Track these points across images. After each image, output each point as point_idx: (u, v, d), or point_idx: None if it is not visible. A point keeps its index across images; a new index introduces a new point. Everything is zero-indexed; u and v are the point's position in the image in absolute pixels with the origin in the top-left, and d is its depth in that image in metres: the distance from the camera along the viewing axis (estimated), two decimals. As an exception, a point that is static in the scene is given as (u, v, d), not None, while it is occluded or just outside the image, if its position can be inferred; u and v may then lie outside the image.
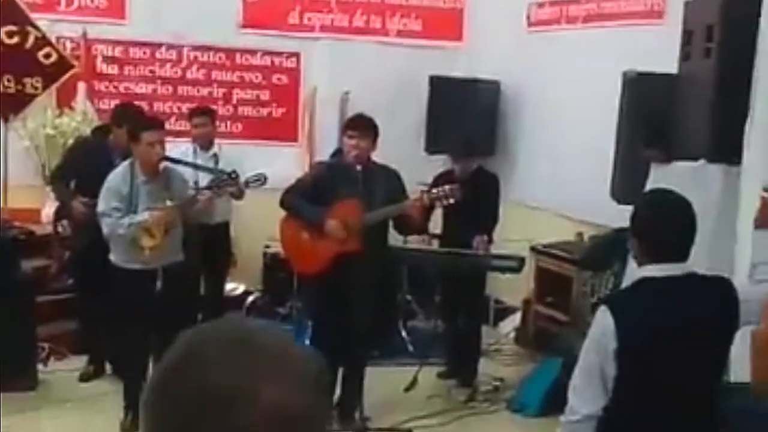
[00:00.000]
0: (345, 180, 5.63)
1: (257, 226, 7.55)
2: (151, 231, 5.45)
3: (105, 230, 5.53)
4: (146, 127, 5.55)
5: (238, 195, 6.50)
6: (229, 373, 1.02)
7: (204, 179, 6.25)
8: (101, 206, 5.52)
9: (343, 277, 5.55)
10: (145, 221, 5.45)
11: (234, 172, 6.01)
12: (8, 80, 7.14)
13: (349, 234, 5.59)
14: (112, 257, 5.62)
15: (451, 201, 5.70)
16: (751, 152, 4.22)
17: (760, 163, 4.19)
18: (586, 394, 3.01)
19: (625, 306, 3.03)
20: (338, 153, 6.21)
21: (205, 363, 1.04)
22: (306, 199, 5.71)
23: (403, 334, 7.68)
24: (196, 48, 8.43)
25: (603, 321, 2.99)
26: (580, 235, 7.23)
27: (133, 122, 5.78)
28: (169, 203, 5.49)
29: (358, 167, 5.58)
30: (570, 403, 3.08)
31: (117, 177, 5.55)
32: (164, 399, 1.05)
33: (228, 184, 6.01)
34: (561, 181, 7.46)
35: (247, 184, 6.25)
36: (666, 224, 3.05)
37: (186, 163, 6.15)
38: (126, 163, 5.58)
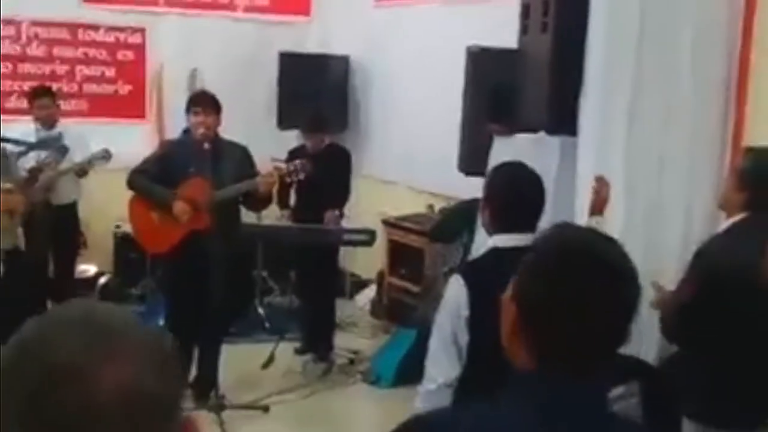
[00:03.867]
0: (193, 158, 5.56)
1: (106, 206, 7.40)
2: None
3: None
4: None
5: (81, 173, 6.34)
6: (73, 353, 1.02)
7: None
8: None
9: (195, 256, 5.51)
10: None
11: (64, 147, 5.83)
12: None
13: (198, 212, 5.54)
14: None
15: (301, 176, 5.73)
16: (584, 124, 4.39)
17: (593, 134, 4.37)
18: (442, 363, 3.06)
19: (476, 274, 3.09)
20: (188, 131, 6.11)
21: (49, 343, 1.04)
22: (154, 178, 5.62)
23: (260, 310, 7.68)
24: (35, 24, 8.14)
25: (456, 289, 3.05)
26: (430, 207, 7.37)
27: None
28: (7, 185, 5.29)
29: (206, 144, 5.52)
30: (427, 371, 3.13)
31: None
32: (9, 381, 1.03)
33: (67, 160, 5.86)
34: (411, 155, 7.57)
35: (91, 162, 6.10)
36: (516, 195, 3.13)
37: (21, 143, 5.94)
38: None
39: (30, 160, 5.93)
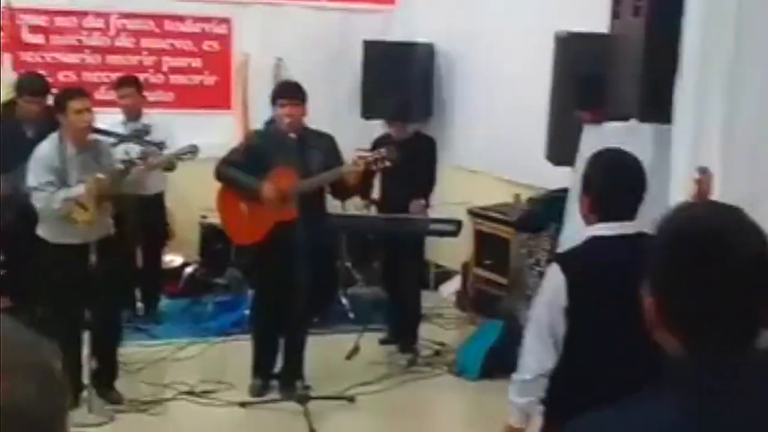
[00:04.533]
0: (280, 148, 5.57)
1: (193, 196, 7.46)
2: (84, 204, 5.32)
3: (38, 205, 5.34)
4: (71, 96, 5.38)
5: (170, 167, 6.40)
6: None
7: (134, 150, 6.13)
8: (32, 180, 5.32)
9: (281, 246, 5.52)
10: (80, 195, 5.31)
11: (162, 143, 5.91)
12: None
13: (285, 202, 5.54)
14: (40, 232, 5.48)
15: (387, 164, 5.68)
16: (679, 111, 4.23)
17: (689, 122, 4.21)
18: (538, 352, 3.04)
19: (575, 264, 3.05)
20: (272, 121, 6.13)
21: None
22: (241, 168, 5.64)
23: (343, 301, 7.66)
24: (124, 15, 8.24)
25: (554, 279, 3.01)
26: (517, 197, 7.25)
27: (39, 91, 5.91)
28: (100, 176, 5.35)
29: (293, 134, 5.52)
30: (521, 361, 3.09)
31: (45, 149, 5.36)
32: None
33: (158, 155, 5.91)
34: (497, 144, 7.46)
35: (178, 157, 6.15)
36: (618, 182, 3.05)
37: (115, 135, 6.03)
38: (54, 135, 5.40)
39: (119, 152, 5.99)
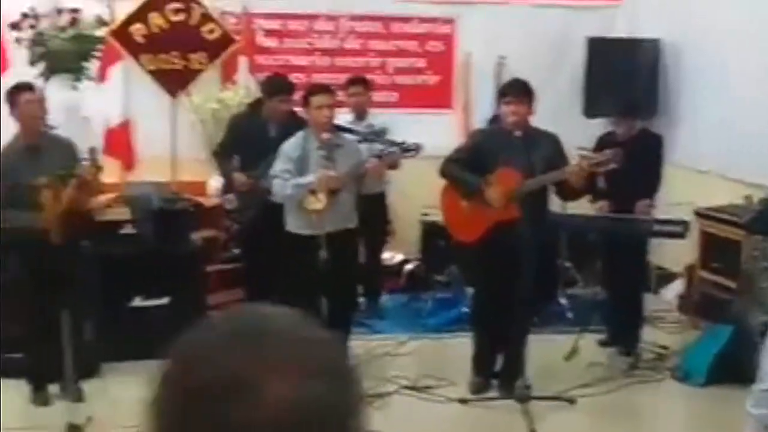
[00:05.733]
0: (504, 146, 5.60)
1: (414, 194, 7.61)
2: (317, 194, 5.57)
3: (273, 191, 5.71)
4: (314, 92, 5.70)
5: (393, 165, 6.56)
6: (234, 364, 0.94)
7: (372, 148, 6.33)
8: (273, 169, 5.71)
9: (501, 245, 5.55)
10: (311, 183, 5.57)
11: (404, 142, 6.04)
12: (175, 56, 7.39)
13: (508, 201, 5.56)
14: (286, 224, 5.79)
15: (612, 166, 5.58)
16: None
17: None
18: None
19: None
20: (495, 119, 6.16)
21: (209, 353, 0.96)
22: (465, 167, 5.71)
23: (562, 301, 7.59)
24: (353, 18, 8.52)
25: None
26: (748, 198, 6.93)
27: (286, 90, 6.23)
28: (339, 170, 5.60)
29: (517, 133, 5.53)
30: (761, 370, 2.98)
31: (291, 142, 5.73)
32: (166, 393, 0.98)
33: (397, 154, 6.04)
34: (727, 142, 7.17)
35: (404, 153, 6.28)
36: None
37: (357, 132, 6.24)
38: (303, 131, 5.75)
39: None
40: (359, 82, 7.30)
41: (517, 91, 5.63)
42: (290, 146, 5.70)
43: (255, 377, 0.93)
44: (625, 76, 7.99)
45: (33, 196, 5.11)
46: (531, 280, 5.47)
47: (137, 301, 6.34)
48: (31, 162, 5.33)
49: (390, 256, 8.11)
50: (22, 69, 7.20)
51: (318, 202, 5.55)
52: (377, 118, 7.17)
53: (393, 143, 6.18)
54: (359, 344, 6.59)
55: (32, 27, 7.42)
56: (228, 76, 7.90)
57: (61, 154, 5.38)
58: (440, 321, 7.20)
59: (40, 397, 5.63)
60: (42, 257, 5.27)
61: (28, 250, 5.38)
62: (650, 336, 6.88)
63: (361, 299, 7.47)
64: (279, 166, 5.66)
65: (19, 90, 5.50)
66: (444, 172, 5.82)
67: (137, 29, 7.28)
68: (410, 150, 6.16)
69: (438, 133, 7.61)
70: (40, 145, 5.47)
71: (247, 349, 0.96)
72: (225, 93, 7.75)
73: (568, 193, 5.84)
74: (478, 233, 5.72)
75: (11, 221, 5.25)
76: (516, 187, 5.53)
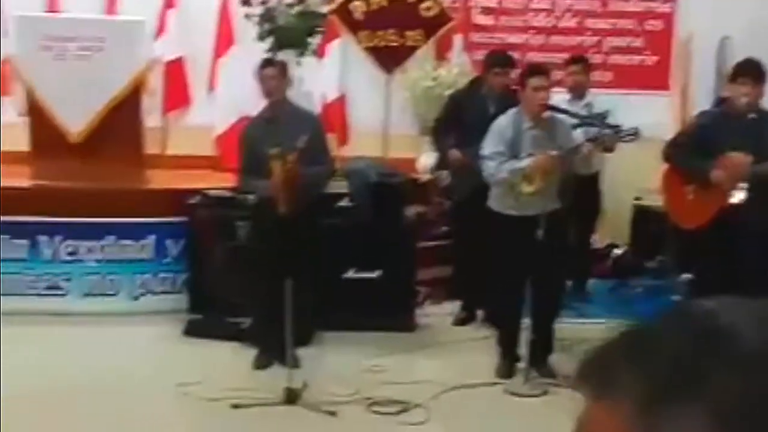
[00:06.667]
0: (732, 129, 5.35)
1: (628, 177, 7.41)
2: (530, 177, 5.49)
3: (485, 173, 5.61)
4: (532, 73, 5.63)
5: (609, 148, 6.39)
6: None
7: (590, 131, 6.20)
8: (485, 149, 5.61)
9: (725, 232, 5.32)
10: (527, 168, 5.52)
11: (620, 126, 5.87)
12: (392, 33, 7.48)
13: (734, 187, 5.33)
14: (489, 203, 5.75)
15: None
16: None
17: None
18: None
19: None
20: (720, 102, 5.89)
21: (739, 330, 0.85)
22: (691, 150, 5.51)
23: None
24: (573, -5, 8.40)
25: None
26: None
27: (506, 63, 6.28)
28: (552, 152, 5.50)
29: (750, 116, 5.28)
30: None
31: (503, 122, 5.64)
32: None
33: (613, 137, 5.89)
34: None
35: (620, 138, 6.11)
36: None
37: (575, 115, 6.11)
38: (514, 109, 5.67)
39: (577, 133, 6.09)
40: (580, 60, 7.17)
41: (752, 72, 5.37)
42: (502, 126, 5.62)
43: None
44: None
45: (267, 166, 5.36)
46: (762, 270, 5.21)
47: (350, 273, 6.48)
48: (270, 133, 5.58)
49: (596, 239, 7.94)
50: (249, 45, 7.48)
51: (530, 186, 5.47)
52: (596, 98, 7.00)
53: (609, 126, 6.02)
54: (567, 327, 6.49)
55: (263, 3, 7.69)
56: (442, 53, 7.93)
57: (300, 127, 5.57)
58: (649, 309, 6.97)
59: (261, 361, 5.85)
60: (272, 226, 5.48)
61: (260, 218, 5.64)
62: None
63: (569, 282, 7.35)
64: (491, 147, 5.58)
65: (263, 66, 5.90)
66: (667, 156, 5.63)
67: (357, 6, 7.43)
68: (628, 135, 5.99)
69: (653, 115, 7.39)
70: (280, 118, 5.71)
71: None
72: (439, 70, 7.77)
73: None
74: (703, 219, 5.49)
75: (249, 189, 5.66)
76: (743, 172, 5.28)
